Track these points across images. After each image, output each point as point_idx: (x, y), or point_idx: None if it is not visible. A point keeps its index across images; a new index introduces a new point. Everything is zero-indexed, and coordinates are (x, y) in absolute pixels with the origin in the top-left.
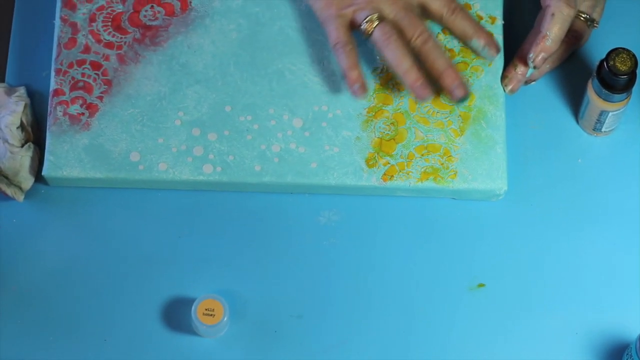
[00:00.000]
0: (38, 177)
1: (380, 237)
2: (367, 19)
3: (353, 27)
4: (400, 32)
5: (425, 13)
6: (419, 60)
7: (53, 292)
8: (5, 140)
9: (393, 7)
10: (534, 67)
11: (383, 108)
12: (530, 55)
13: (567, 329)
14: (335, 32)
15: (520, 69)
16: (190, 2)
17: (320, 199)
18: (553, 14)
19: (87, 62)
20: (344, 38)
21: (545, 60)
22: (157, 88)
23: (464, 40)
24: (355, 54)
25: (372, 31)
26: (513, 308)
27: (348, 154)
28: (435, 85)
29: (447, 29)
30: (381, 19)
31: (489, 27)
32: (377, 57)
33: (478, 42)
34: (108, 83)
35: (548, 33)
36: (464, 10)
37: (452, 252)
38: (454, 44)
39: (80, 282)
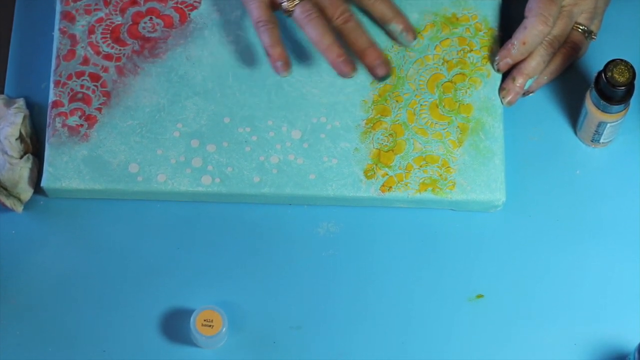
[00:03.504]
0: (37, 188)
1: (378, 248)
2: None
3: (274, 6)
4: (321, 11)
5: None
6: (341, 39)
7: (52, 303)
8: (5, 152)
9: None
10: (498, 71)
11: (381, 119)
12: (496, 58)
13: (566, 340)
14: (257, 11)
15: (519, 81)
16: (189, 14)
17: (318, 211)
18: (526, 27)
19: (86, 74)
20: (265, 16)
21: (509, 66)
22: (156, 100)
23: (382, 24)
24: (277, 31)
25: (293, 9)
26: (512, 319)
27: (346, 165)
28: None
29: (366, 12)
30: None
31: (488, 39)
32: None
33: (396, 27)
34: (107, 95)
35: (515, 42)
36: None
37: (450, 263)
38: (451, 56)
39: (79, 293)
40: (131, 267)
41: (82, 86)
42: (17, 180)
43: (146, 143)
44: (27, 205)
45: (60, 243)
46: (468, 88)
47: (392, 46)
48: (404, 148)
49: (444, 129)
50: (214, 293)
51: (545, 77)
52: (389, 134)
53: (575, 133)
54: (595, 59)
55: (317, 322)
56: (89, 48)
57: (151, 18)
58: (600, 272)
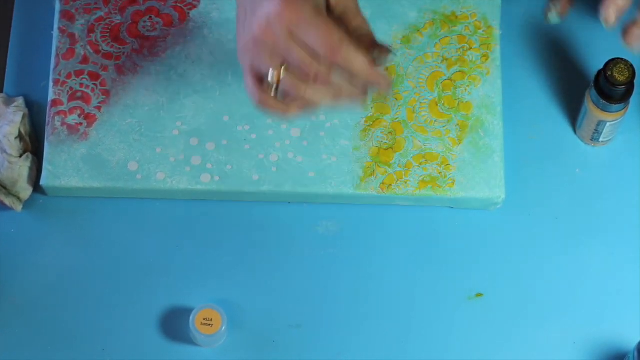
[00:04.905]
0: (36, 187)
1: (378, 246)
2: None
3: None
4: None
5: None
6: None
7: (51, 301)
8: (4, 151)
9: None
10: (607, 25)
11: (381, 117)
12: (602, 12)
13: (565, 339)
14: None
15: None
16: (189, 13)
17: (318, 209)
18: None
19: (86, 73)
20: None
21: (619, 14)
22: (155, 98)
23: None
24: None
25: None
26: (511, 317)
27: (346, 163)
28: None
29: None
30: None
31: (487, 37)
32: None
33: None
34: (106, 93)
35: None
36: None
37: (450, 261)
38: (451, 54)
39: (78, 291)
40: (130, 265)
41: (81, 85)
42: (16, 178)
43: (145, 141)
44: (27, 204)
45: (60, 241)
46: (467, 86)
47: (391, 44)
48: (404, 146)
49: (443, 127)
50: (214, 291)
51: None
52: (389, 132)
53: (575, 132)
54: (595, 58)
55: (316, 320)
56: (88, 47)
57: (150, 17)
58: (599, 270)
